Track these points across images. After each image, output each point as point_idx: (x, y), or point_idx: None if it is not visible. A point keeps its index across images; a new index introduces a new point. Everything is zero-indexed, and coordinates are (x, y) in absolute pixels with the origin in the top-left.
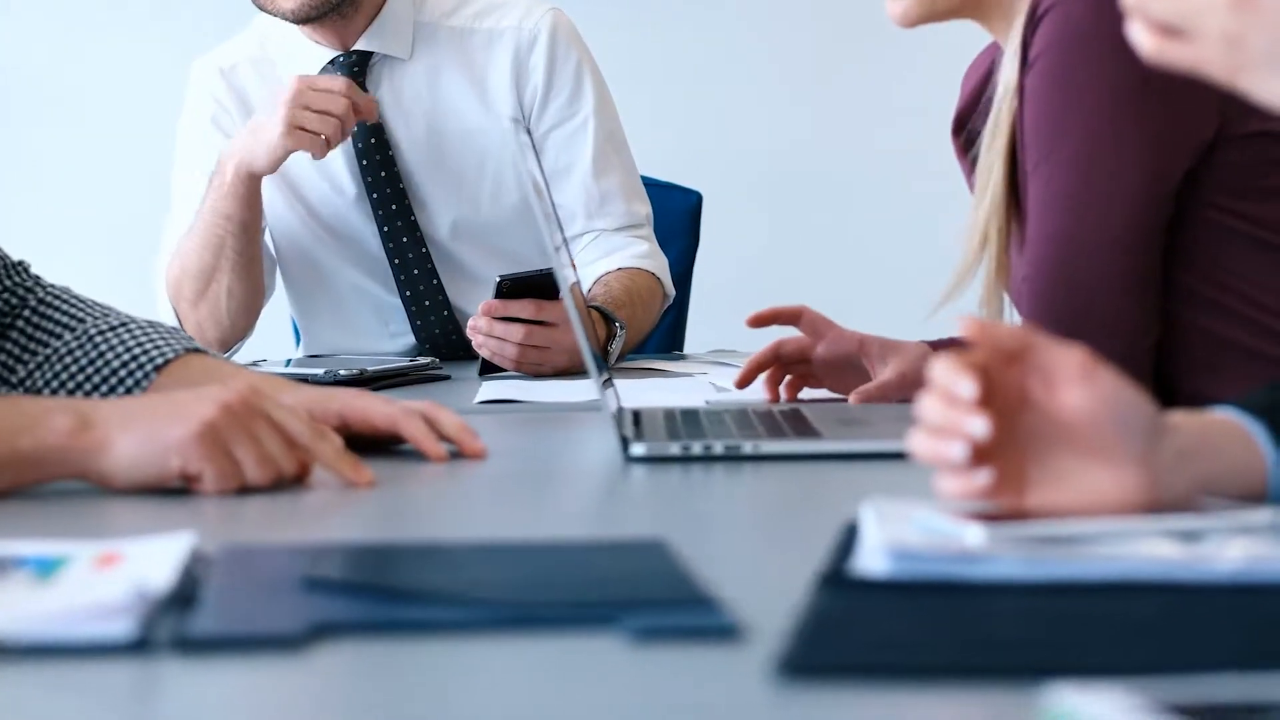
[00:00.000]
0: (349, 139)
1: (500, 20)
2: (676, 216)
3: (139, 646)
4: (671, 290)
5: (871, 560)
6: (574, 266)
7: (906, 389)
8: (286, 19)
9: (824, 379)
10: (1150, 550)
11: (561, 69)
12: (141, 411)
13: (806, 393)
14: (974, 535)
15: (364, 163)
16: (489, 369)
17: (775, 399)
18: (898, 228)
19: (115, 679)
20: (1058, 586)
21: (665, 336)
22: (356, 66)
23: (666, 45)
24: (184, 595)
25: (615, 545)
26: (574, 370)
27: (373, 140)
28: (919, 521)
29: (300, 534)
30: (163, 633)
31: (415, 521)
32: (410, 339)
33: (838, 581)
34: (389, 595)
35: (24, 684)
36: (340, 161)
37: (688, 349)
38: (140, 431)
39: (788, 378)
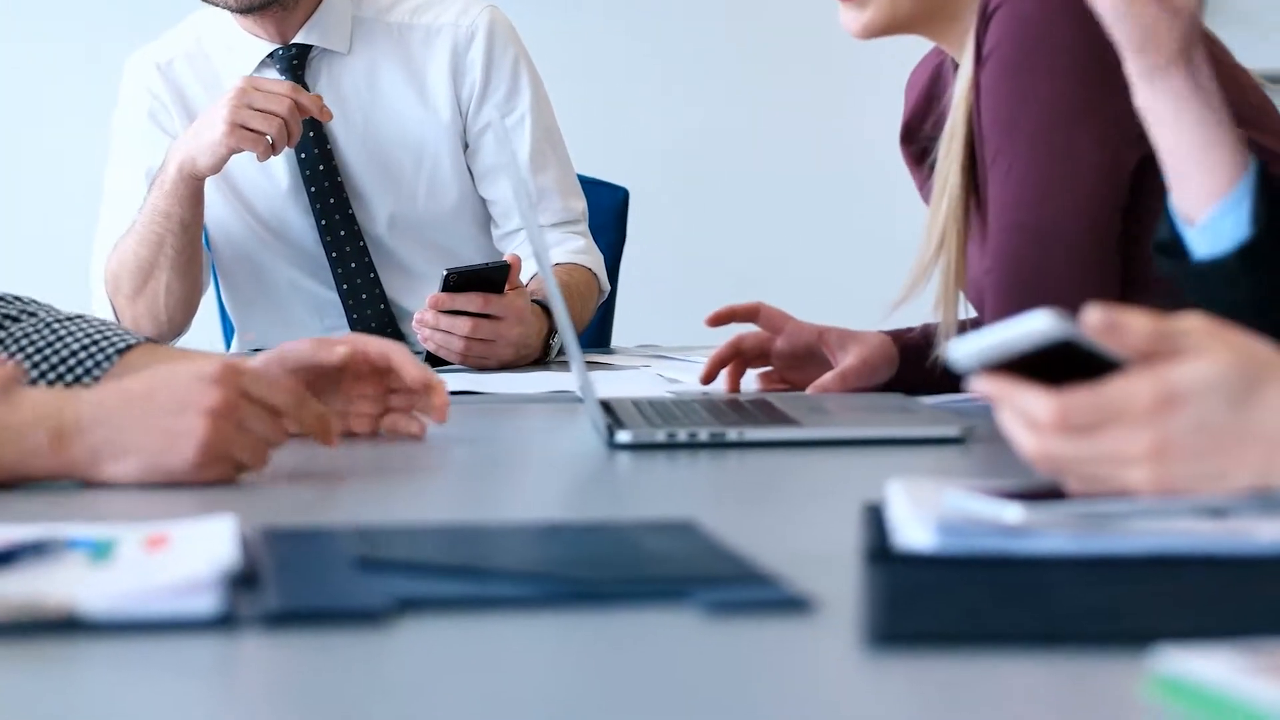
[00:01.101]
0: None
1: (438, 16)
2: (603, 212)
3: (223, 622)
4: (607, 285)
5: (915, 536)
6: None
7: (867, 375)
8: (229, 8)
9: (785, 371)
10: (1187, 525)
11: (499, 66)
12: (129, 430)
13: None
14: (1013, 513)
15: (302, 156)
16: (434, 362)
17: (735, 390)
18: (824, 224)
19: (203, 654)
20: (1109, 560)
21: (594, 332)
22: (295, 60)
23: (593, 42)
24: (245, 575)
25: (651, 526)
26: (519, 363)
27: (310, 134)
28: (952, 501)
29: (306, 518)
30: (243, 609)
31: (415, 506)
32: (345, 333)
33: (893, 557)
34: (458, 573)
35: (112, 660)
36: (279, 156)
37: (615, 343)
38: (135, 462)
39: (763, 369)
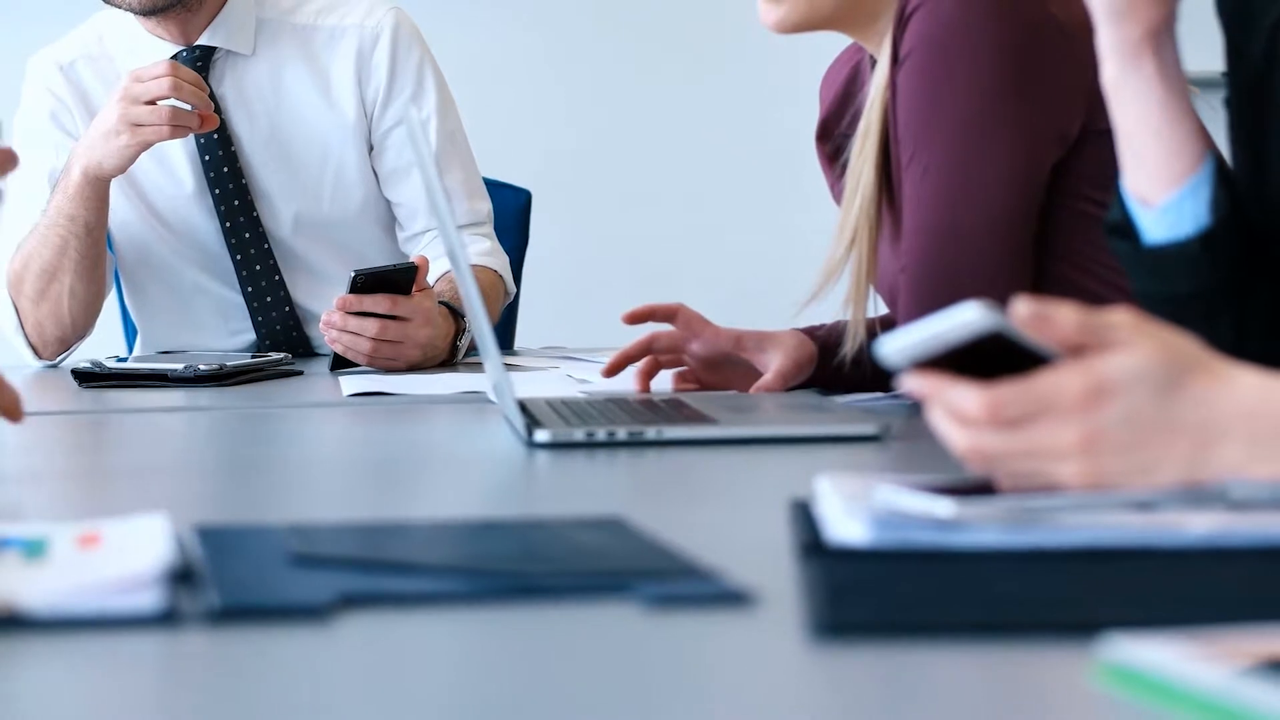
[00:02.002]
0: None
1: (343, 18)
2: (506, 215)
3: (167, 618)
4: (513, 287)
5: (848, 531)
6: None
7: (796, 375)
8: (133, 10)
9: (702, 375)
10: (1117, 519)
11: (404, 67)
12: None
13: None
14: (944, 508)
15: (206, 158)
16: (341, 364)
17: (645, 389)
18: (727, 223)
19: (149, 650)
20: (1043, 553)
21: (498, 334)
22: (199, 61)
23: (496, 44)
24: (181, 571)
25: (582, 522)
26: (427, 365)
27: (214, 135)
28: (882, 496)
29: (223, 517)
30: (184, 605)
31: (335, 506)
32: (250, 336)
33: (832, 550)
34: (396, 569)
35: (57, 657)
36: (182, 157)
37: (518, 345)
38: None
39: (678, 369)
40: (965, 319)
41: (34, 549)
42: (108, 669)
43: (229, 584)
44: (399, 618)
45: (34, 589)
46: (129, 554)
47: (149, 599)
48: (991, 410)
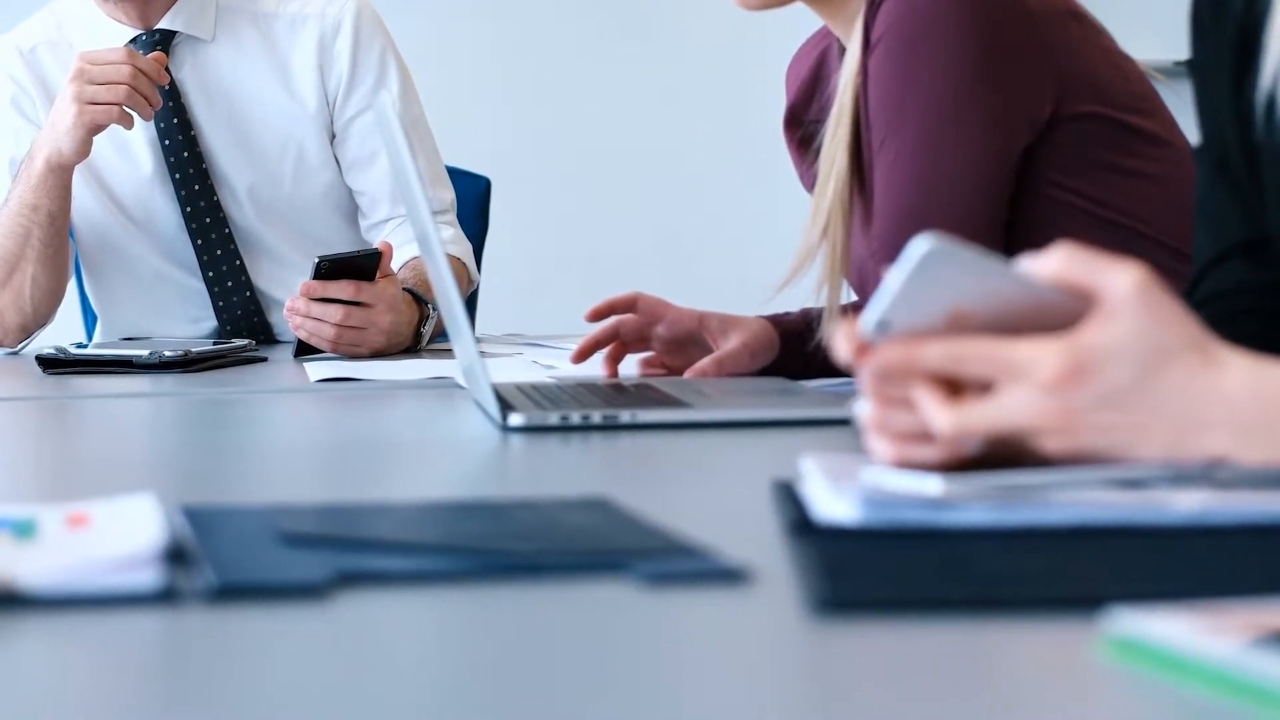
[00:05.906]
0: (151, 119)
1: (304, 7)
2: (466, 202)
3: (165, 596)
4: (477, 276)
5: (837, 510)
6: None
7: (747, 360)
8: None
9: (667, 359)
10: (1105, 497)
11: (366, 56)
12: None
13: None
14: (933, 486)
15: (165, 143)
16: (305, 350)
17: (613, 374)
18: (686, 212)
19: (149, 628)
20: (1034, 531)
21: None
22: (159, 45)
23: (456, 30)
24: (174, 551)
25: (567, 503)
26: (391, 351)
27: (174, 121)
28: (870, 476)
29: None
30: (180, 583)
31: (312, 489)
32: (211, 323)
33: (825, 529)
34: (388, 548)
35: (58, 635)
36: (142, 143)
37: (478, 332)
38: None
39: (644, 354)
40: (919, 250)
41: (23, 529)
42: (110, 647)
43: (224, 563)
44: (396, 596)
45: (30, 567)
46: (121, 533)
47: (148, 577)
48: (954, 361)
